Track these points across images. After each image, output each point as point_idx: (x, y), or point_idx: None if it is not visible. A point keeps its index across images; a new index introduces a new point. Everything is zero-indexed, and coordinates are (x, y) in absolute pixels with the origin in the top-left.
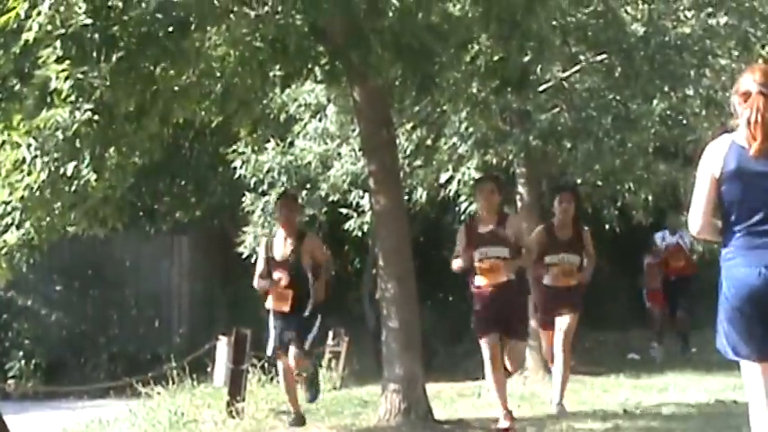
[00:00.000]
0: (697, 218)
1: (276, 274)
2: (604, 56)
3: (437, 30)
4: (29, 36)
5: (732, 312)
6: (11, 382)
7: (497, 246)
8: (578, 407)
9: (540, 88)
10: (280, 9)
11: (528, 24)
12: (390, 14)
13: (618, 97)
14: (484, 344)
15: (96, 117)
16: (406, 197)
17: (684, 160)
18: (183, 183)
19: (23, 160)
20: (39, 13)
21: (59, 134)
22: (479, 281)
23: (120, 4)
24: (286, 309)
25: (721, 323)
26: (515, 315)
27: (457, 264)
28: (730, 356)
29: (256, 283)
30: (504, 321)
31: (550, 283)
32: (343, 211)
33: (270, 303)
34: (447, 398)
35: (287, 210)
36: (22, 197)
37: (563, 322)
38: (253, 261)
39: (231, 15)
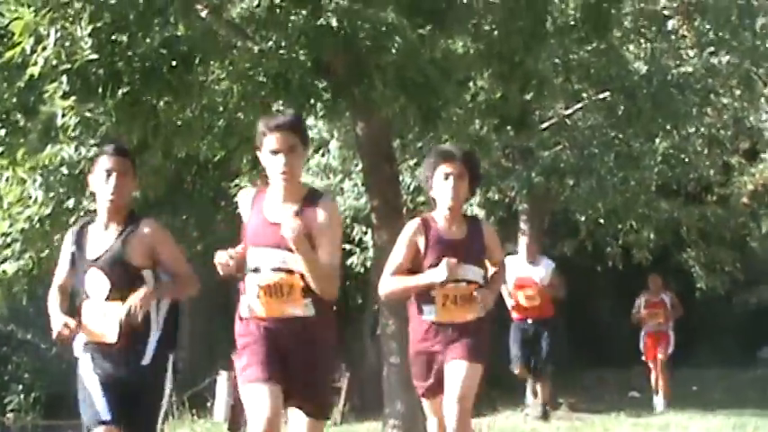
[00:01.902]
0: None
1: (91, 282)
2: (607, 93)
3: (440, 65)
4: (34, 71)
5: None
6: (10, 415)
7: (281, 250)
8: None
9: (543, 125)
10: (283, 44)
11: (528, 64)
12: (394, 50)
13: (620, 135)
14: (251, 400)
15: None
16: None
17: (686, 198)
18: (185, 217)
19: (28, 196)
20: (44, 48)
21: (64, 170)
22: (253, 307)
23: (126, 40)
24: (111, 338)
25: None
26: (309, 375)
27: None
28: None
29: (52, 299)
30: (287, 379)
31: (437, 319)
32: (346, 246)
33: (82, 336)
34: None
35: (115, 170)
36: (23, 229)
37: (456, 383)
38: None
39: (234, 50)
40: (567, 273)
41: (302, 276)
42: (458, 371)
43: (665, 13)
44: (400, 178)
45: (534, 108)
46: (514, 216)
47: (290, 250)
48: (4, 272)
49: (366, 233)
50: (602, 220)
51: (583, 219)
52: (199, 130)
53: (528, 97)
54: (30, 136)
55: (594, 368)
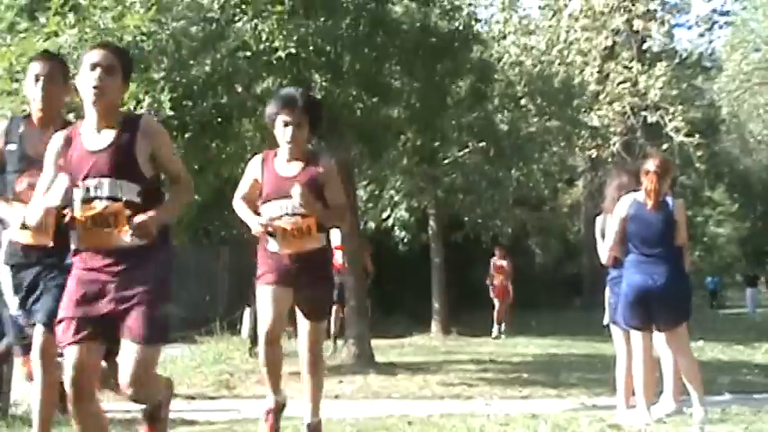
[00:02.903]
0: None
1: (25, 182)
2: (483, 143)
3: (383, 124)
4: None
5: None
6: None
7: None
8: (460, 356)
9: (445, 161)
10: None
11: (436, 124)
12: (358, 113)
13: (491, 168)
14: (66, 356)
15: None
16: (361, 226)
17: (530, 207)
18: (226, 212)
19: None
20: (141, 108)
21: None
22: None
23: (191, 104)
24: (47, 240)
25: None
26: (137, 301)
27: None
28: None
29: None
30: (113, 314)
31: (280, 250)
32: None
33: (16, 235)
34: (383, 348)
35: (42, 75)
36: None
37: (304, 336)
38: None
39: (257, 112)
40: (458, 252)
41: (128, 204)
42: (306, 326)
43: (519, 95)
44: (357, 192)
45: (440, 151)
46: (425, 217)
47: (112, 177)
48: None
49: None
50: (480, 220)
51: (467, 219)
52: (236, 160)
53: (436, 145)
54: None
55: (473, 310)
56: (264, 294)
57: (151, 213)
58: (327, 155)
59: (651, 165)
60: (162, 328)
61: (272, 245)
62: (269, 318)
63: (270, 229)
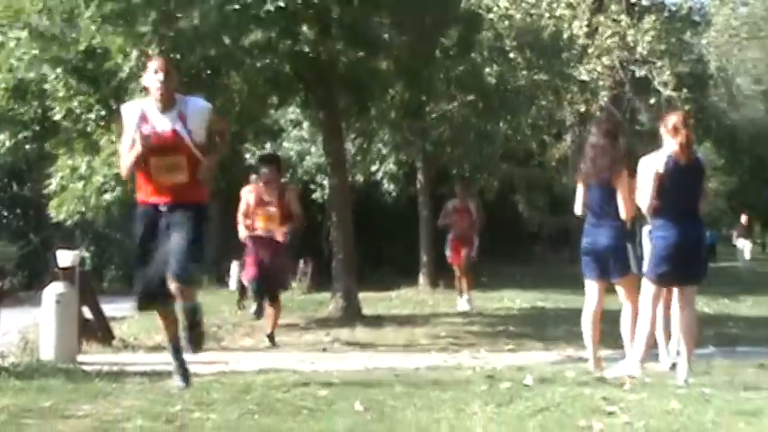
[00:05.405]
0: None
1: None
2: (472, 96)
3: (371, 77)
4: (122, 75)
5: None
6: (106, 284)
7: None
8: (447, 309)
9: (433, 115)
10: (275, 61)
11: (424, 78)
12: (343, 66)
13: (479, 122)
14: None
15: None
16: (350, 179)
17: (518, 162)
18: None
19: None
20: (129, 61)
21: None
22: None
23: (179, 57)
24: None
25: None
26: None
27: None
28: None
29: None
30: None
31: None
32: (312, 186)
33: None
34: (371, 301)
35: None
36: (117, 174)
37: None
38: None
39: (245, 65)
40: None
41: None
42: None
43: (508, 48)
44: (345, 145)
45: (426, 105)
46: (414, 170)
47: None
48: (106, 199)
49: (324, 179)
50: (467, 174)
51: (455, 172)
52: (224, 113)
53: (424, 98)
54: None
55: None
56: None
57: None
58: None
59: (678, 121)
60: None
61: None
62: None
63: None
